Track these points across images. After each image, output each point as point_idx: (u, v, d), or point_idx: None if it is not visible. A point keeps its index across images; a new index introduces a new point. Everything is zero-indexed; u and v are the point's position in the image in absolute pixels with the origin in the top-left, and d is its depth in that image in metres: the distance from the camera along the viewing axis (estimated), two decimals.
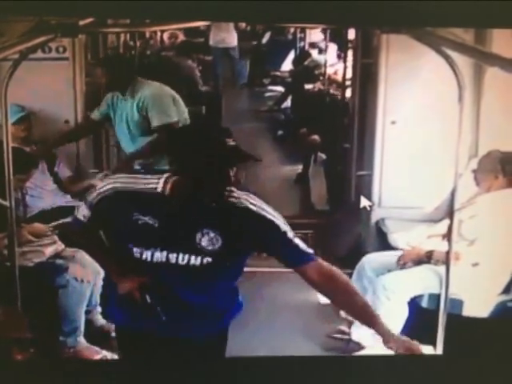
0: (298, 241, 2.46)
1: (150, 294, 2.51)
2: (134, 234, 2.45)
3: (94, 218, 2.55)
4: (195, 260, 2.45)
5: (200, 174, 2.33)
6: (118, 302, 2.60)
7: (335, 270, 2.47)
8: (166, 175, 2.45)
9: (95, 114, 4.85)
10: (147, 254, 2.47)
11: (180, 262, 2.45)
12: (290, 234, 2.45)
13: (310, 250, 2.48)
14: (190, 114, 8.36)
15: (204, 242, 2.44)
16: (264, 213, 2.43)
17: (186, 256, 2.45)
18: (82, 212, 2.57)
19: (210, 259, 2.45)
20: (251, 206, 2.42)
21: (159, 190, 2.42)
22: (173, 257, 2.46)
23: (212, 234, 2.43)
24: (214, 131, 2.43)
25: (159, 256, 2.46)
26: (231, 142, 2.34)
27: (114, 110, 4.72)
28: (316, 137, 6.88)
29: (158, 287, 2.51)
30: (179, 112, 4.64)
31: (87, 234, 2.65)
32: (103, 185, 2.51)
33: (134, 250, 2.47)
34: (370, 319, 2.45)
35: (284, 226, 2.45)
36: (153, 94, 4.54)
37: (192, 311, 2.52)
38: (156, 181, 2.44)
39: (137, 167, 4.81)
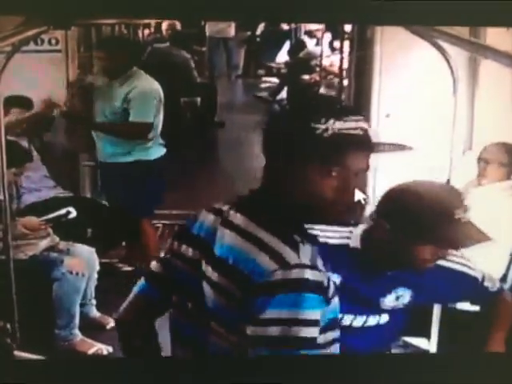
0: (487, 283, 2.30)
1: None
2: None
3: None
4: (373, 320, 2.14)
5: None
6: None
7: None
8: (361, 228, 2.19)
9: None
10: None
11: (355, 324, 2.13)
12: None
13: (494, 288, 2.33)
14: (184, 105, 8.31)
15: (388, 300, 2.12)
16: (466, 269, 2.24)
17: (364, 317, 2.14)
18: None
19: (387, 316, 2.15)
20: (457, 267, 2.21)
21: (354, 245, 2.14)
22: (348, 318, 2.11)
23: (401, 292, 2.14)
24: None
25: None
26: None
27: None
28: None
29: None
30: (157, 113, 4.56)
31: None
32: None
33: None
34: None
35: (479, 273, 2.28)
36: (142, 91, 4.48)
37: None
38: (347, 234, 2.18)
39: None
